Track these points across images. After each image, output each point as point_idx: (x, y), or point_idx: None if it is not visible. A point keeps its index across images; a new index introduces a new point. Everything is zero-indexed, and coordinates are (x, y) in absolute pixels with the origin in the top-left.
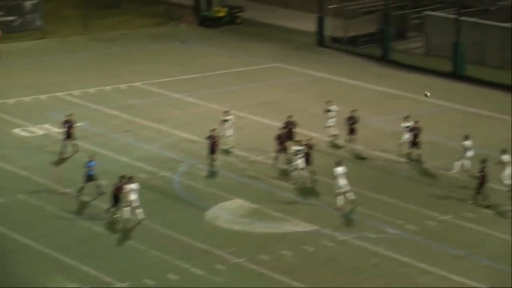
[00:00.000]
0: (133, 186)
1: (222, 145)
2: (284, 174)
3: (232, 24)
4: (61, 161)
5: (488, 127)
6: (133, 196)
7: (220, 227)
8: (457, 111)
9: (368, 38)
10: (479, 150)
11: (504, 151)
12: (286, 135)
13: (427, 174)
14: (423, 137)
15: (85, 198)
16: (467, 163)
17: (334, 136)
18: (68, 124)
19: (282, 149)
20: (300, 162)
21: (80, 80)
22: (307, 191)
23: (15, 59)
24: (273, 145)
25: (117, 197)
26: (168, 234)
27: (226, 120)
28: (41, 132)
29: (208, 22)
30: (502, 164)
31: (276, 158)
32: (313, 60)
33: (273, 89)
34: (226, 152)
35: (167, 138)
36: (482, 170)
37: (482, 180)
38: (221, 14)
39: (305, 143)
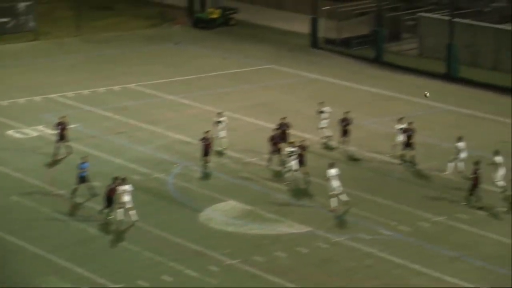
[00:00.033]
0: (127, 187)
1: (216, 146)
2: (278, 176)
3: (226, 25)
4: (54, 162)
5: (481, 129)
6: (126, 198)
7: (214, 229)
8: (450, 113)
9: (362, 39)
10: (473, 152)
11: (496, 153)
12: (279, 137)
13: (421, 175)
14: (416, 139)
15: (79, 199)
16: (460, 165)
17: (328, 137)
18: (61, 126)
19: (276, 150)
20: (293, 163)
21: (74, 82)
22: (301, 192)
23: (8, 60)
24: (266, 147)
25: (110, 198)
26: (162, 235)
27: (219, 122)
28: (35, 133)
29: (202, 24)
30: (495, 166)
31: (269, 160)
32: (307, 62)
33: (267, 90)
34: (220, 153)
35: (161, 139)
36: (475, 171)
37: (475, 182)
38: (215, 16)
39: (298, 144)
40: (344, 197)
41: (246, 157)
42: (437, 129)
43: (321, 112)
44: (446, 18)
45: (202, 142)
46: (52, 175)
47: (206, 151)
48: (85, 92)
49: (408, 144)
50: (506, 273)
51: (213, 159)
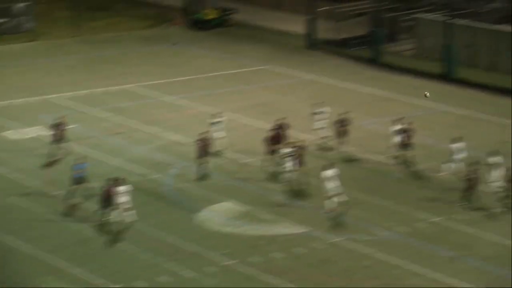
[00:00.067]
0: (124, 188)
1: (214, 147)
2: (275, 176)
3: (224, 26)
4: (52, 163)
5: (479, 129)
6: (124, 198)
7: (211, 229)
8: (448, 113)
9: (359, 40)
10: (471, 152)
11: (491, 153)
12: (277, 137)
13: (419, 176)
14: (414, 139)
15: (76, 200)
16: (459, 165)
17: (326, 137)
18: (59, 127)
19: (273, 151)
20: (291, 164)
21: (72, 82)
22: (298, 193)
23: (6, 61)
24: (264, 147)
25: (108, 199)
26: (159, 236)
27: (217, 122)
28: (32, 134)
29: (199, 25)
30: (491, 166)
31: (267, 160)
32: (305, 63)
33: (265, 91)
34: (218, 154)
35: (159, 140)
36: (472, 172)
37: (472, 183)
38: (212, 17)
39: (296, 145)
40: (342, 198)
41: (243, 158)
42: (435, 129)
43: (319, 112)
44: (444, 19)
45: (200, 143)
46: (50, 175)
47: (204, 151)
48: (83, 92)
49: (406, 145)
50: (503, 274)
51: (210, 160)
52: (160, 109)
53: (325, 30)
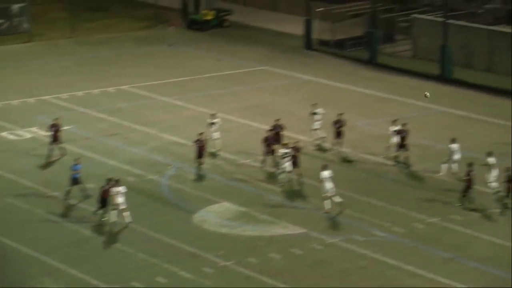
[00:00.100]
0: (120, 189)
1: (210, 148)
2: (272, 177)
3: (220, 27)
4: (48, 164)
5: (475, 130)
6: (120, 199)
7: (208, 230)
8: (444, 114)
9: (356, 41)
10: (467, 153)
11: (489, 154)
12: (273, 138)
13: (414, 177)
14: (410, 140)
15: (72, 201)
16: (454, 166)
17: (322, 138)
18: (55, 128)
19: (270, 152)
20: (287, 165)
21: (68, 83)
22: (294, 194)
23: (2, 62)
24: (260, 148)
25: (104, 200)
26: (156, 237)
27: (213, 123)
28: (28, 135)
29: (196, 25)
30: (488, 167)
31: (263, 161)
32: (301, 63)
33: (261, 92)
34: (214, 155)
35: (155, 141)
36: (468, 173)
37: (468, 183)
38: (209, 17)
39: (292, 146)
40: (337, 199)
41: (240, 159)
42: (431, 130)
43: (314, 113)
44: (440, 19)
45: (196, 144)
46: (46, 176)
47: (200, 153)
48: (79, 93)
49: (402, 146)
50: (500, 274)
51: (207, 161)
52: (156, 110)
53: (322, 31)
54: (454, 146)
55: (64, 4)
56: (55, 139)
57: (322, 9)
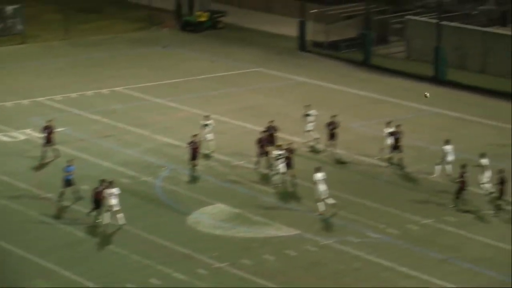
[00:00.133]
0: (114, 190)
1: (203, 149)
2: (266, 179)
3: (214, 29)
4: (42, 166)
5: (469, 131)
6: (113, 201)
7: (202, 232)
8: (438, 115)
9: (350, 42)
10: (460, 154)
11: (483, 155)
12: (267, 140)
13: (409, 178)
14: (404, 141)
15: (66, 203)
16: (448, 168)
17: (316, 139)
18: (48, 130)
19: (264, 153)
20: (281, 166)
21: (62, 85)
22: (288, 195)
23: None
24: (254, 150)
25: (97, 201)
26: (150, 239)
27: (206, 125)
28: (22, 137)
29: (190, 27)
30: (481, 168)
31: (257, 163)
32: (295, 65)
33: (255, 93)
34: (207, 156)
35: (149, 142)
36: (462, 175)
37: (462, 185)
38: (203, 19)
39: (286, 147)
40: (330, 201)
41: (234, 160)
42: (425, 132)
43: (307, 115)
44: (434, 21)
45: (190, 145)
46: (40, 178)
47: (194, 154)
48: (73, 95)
49: (396, 147)
50: (493, 275)
51: (201, 162)
52: (150, 111)
53: (316, 33)
54: (448, 147)
55: (58, 6)
56: (49, 140)
57: (316, 10)
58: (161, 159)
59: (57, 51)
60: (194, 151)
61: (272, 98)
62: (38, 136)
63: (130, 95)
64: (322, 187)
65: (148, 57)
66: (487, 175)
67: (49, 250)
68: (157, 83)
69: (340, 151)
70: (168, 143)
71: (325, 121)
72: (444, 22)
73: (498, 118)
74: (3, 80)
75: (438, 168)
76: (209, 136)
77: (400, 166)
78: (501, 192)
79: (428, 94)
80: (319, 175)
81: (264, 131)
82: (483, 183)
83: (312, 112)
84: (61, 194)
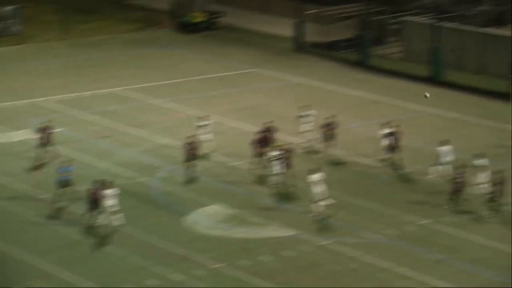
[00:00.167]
0: (112, 191)
1: (201, 150)
2: (263, 179)
3: (212, 29)
4: (39, 167)
5: (467, 132)
6: (111, 202)
7: (200, 233)
8: (435, 116)
9: (347, 43)
10: (458, 155)
11: (480, 156)
12: (265, 140)
13: (406, 179)
14: (402, 142)
15: (63, 203)
16: (446, 168)
17: (313, 140)
18: (46, 130)
19: (261, 154)
20: (279, 167)
21: (60, 86)
22: (286, 196)
23: None
24: (252, 151)
25: (95, 202)
26: (148, 239)
27: (204, 125)
28: (20, 137)
29: (188, 27)
30: (478, 169)
31: (255, 163)
32: (292, 66)
33: (253, 94)
34: (205, 157)
35: (147, 143)
36: (459, 175)
37: (459, 185)
38: (200, 19)
39: (284, 148)
40: (328, 201)
41: (231, 161)
42: (422, 132)
43: (305, 115)
44: (431, 22)
45: (188, 146)
46: (37, 179)
47: (192, 155)
48: (72, 95)
49: (393, 148)
50: (491, 276)
51: (198, 163)
52: (148, 112)
53: (313, 33)
54: (445, 148)
55: (56, 6)
56: (47, 141)
57: (313, 11)
58: (159, 160)
59: (55, 52)
60: (192, 152)
61: (270, 98)
62: (36, 137)
63: (128, 95)
64: (318, 188)
65: (146, 57)
66: (484, 176)
67: (48, 251)
68: (155, 83)
69: (338, 152)
70: (167, 144)
71: (322, 122)
72: (441, 23)
73: (496, 119)
74: (2, 81)
75: (432, 169)
76: (208, 136)
77: (397, 166)
78: (498, 193)
79: (428, 95)
80: (314, 176)
81: (262, 132)
82: (480, 184)
83: (309, 112)
84: (58, 195)
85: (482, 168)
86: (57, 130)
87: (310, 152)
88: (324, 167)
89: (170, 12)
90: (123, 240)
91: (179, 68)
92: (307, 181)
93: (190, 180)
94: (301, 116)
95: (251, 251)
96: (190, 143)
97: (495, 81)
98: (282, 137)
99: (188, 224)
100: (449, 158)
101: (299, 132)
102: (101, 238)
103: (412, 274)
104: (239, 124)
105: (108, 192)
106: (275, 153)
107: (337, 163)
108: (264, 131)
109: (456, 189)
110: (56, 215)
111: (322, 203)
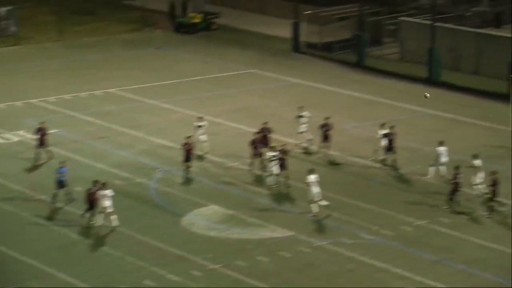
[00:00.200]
0: (107, 192)
1: (197, 151)
2: (260, 180)
3: (208, 30)
4: (35, 167)
5: (463, 133)
6: (107, 202)
7: (196, 233)
8: (432, 117)
9: (343, 44)
10: (454, 156)
11: (475, 156)
12: (261, 141)
13: (402, 179)
14: (398, 143)
15: (59, 204)
16: (442, 169)
17: (309, 140)
18: (41, 132)
19: (257, 154)
20: (275, 168)
21: (56, 87)
22: (282, 197)
23: None
24: (248, 151)
25: (91, 202)
26: (144, 240)
27: (200, 126)
28: (16, 138)
29: (184, 28)
30: (474, 169)
31: (251, 164)
32: (289, 66)
33: (249, 95)
34: (201, 158)
35: (142, 144)
36: (455, 176)
37: (455, 186)
38: (197, 20)
39: (280, 149)
40: (323, 202)
41: (228, 162)
42: (419, 133)
43: (300, 116)
44: (427, 22)
45: (184, 147)
46: (33, 180)
47: (188, 156)
48: (67, 96)
49: (389, 148)
50: (487, 277)
51: (195, 164)
52: (144, 113)
53: (310, 34)
54: (442, 149)
55: (51, 8)
56: (42, 142)
57: (310, 12)
58: (155, 161)
59: (51, 53)
60: (188, 153)
61: (266, 99)
62: (32, 137)
63: (123, 96)
64: (315, 189)
65: (142, 58)
66: (480, 176)
67: (44, 252)
68: (151, 84)
69: (334, 153)
70: (162, 145)
71: (318, 123)
72: (438, 24)
73: (492, 120)
74: None
75: (432, 169)
76: (203, 137)
77: (394, 167)
78: (494, 194)
79: (428, 95)
80: (312, 177)
81: (258, 133)
82: (476, 184)
83: (305, 113)
84: (55, 196)
85: (478, 168)
86: (53, 131)
87: (306, 152)
88: (320, 168)
89: (166, 13)
90: (119, 241)
91: (175, 69)
92: (306, 182)
93: (187, 181)
94: (300, 116)
95: (247, 252)
96: (187, 144)
97: (492, 81)
98: (278, 137)
99: (185, 225)
100: (445, 158)
101: (297, 133)
102: (97, 239)
103: (409, 274)
104: (236, 125)
105: (104, 192)
106: (272, 153)
107: (333, 164)
108: (261, 132)
109: (454, 189)
110: (52, 216)
111: (320, 203)
